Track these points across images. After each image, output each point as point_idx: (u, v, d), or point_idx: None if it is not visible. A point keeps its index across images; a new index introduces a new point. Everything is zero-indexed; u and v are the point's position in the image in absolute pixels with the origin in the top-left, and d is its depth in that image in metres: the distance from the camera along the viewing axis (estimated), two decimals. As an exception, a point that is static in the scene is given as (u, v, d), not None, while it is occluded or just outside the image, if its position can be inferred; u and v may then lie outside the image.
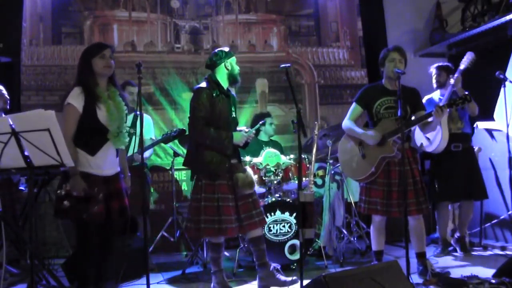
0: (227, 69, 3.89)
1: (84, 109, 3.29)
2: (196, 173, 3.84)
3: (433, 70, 4.97)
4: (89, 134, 3.31)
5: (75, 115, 3.28)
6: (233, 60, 3.92)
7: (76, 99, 3.29)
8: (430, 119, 3.97)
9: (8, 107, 4.55)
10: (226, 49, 3.94)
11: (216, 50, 3.95)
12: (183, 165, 4.07)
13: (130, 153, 4.80)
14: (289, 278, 3.82)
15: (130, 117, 4.73)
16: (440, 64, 5.01)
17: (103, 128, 3.32)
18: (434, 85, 4.94)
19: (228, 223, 3.71)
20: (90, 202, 3.24)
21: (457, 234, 5.03)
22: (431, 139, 4.81)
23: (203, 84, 3.89)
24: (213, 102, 3.79)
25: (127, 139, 3.45)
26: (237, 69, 3.93)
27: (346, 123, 4.21)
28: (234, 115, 3.97)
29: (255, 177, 4.50)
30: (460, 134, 4.82)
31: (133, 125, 4.68)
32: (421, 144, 4.85)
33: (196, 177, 3.85)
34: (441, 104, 4.27)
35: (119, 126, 3.37)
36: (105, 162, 3.36)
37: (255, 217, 3.86)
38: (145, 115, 4.20)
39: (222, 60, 3.88)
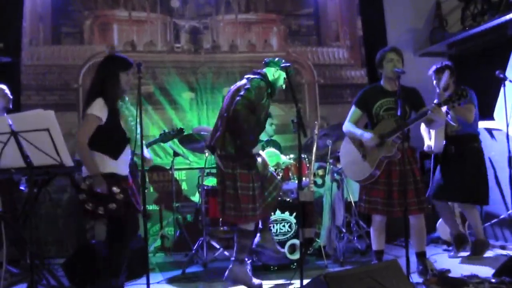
0: (273, 76, 4.03)
1: (107, 121, 3.40)
2: (234, 160, 3.88)
3: (433, 75, 4.83)
4: (114, 141, 3.47)
5: (95, 125, 3.37)
6: (282, 74, 4.01)
7: (101, 111, 3.37)
8: (434, 117, 3.94)
9: (10, 106, 4.56)
10: (288, 64, 3.97)
11: (279, 58, 4.08)
12: (214, 146, 3.96)
13: None
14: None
15: None
16: (438, 66, 4.83)
17: (125, 135, 3.52)
18: (437, 90, 4.72)
19: (259, 209, 3.90)
20: (109, 202, 3.38)
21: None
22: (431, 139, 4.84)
23: (260, 79, 3.96)
24: (263, 97, 3.90)
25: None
26: (280, 83, 4.05)
27: (346, 125, 4.21)
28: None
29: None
30: (454, 137, 4.73)
31: None
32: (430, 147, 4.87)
33: (225, 165, 3.90)
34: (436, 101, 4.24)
35: (133, 133, 3.57)
36: (124, 164, 3.52)
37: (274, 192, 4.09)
38: None
39: (275, 66, 4.03)
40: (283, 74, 4.01)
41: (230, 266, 3.99)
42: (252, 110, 3.81)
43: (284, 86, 4.08)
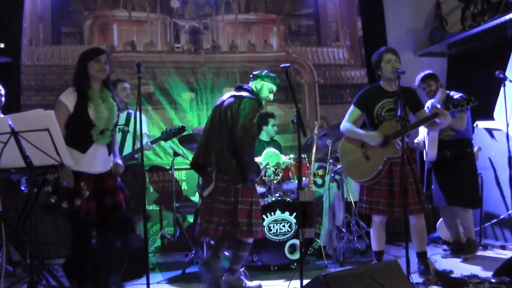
0: (256, 88, 3.99)
1: (75, 108, 3.39)
2: (236, 181, 3.83)
3: (420, 84, 4.87)
4: (80, 132, 3.41)
5: (64, 112, 3.39)
6: (265, 85, 3.99)
7: (67, 98, 3.41)
8: (438, 121, 3.95)
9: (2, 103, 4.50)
10: (271, 74, 4.00)
11: (261, 71, 4.05)
12: (206, 165, 3.97)
13: (125, 151, 4.80)
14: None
15: (124, 115, 4.75)
16: (423, 75, 4.89)
17: (93, 125, 3.42)
18: (428, 96, 4.86)
19: (256, 226, 3.87)
20: (75, 197, 3.33)
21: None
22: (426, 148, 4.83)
23: (246, 94, 3.92)
24: (255, 116, 3.89)
25: (110, 139, 3.51)
26: (264, 94, 3.99)
27: (345, 125, 4.18)
28: None
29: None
30: (448, 142, 4.75)
31: (127, 123, 4.70)
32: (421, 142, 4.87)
33: (220, 180, 3.87)
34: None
35: (106, 125, 3.47)
36: (96, 160, 3.46)
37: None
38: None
39: (257, 78, 4.00)
40: (267, 85, 3.98)
41: (223, 278, 3.92)
42: (249, 131, 3.80)
43: (270, 97, 4.03)
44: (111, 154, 3.61)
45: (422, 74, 4.92)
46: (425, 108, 4.75)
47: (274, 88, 4.03)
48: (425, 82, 4.85)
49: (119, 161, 3.67)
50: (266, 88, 3.99)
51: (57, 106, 3.39)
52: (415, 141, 5.02)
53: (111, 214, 3.49)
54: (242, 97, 3.89)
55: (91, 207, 3.38)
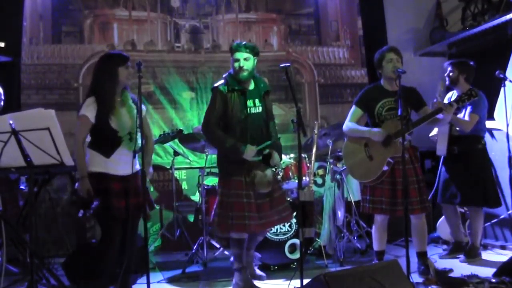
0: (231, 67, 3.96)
1: (97, 118, 3.44)
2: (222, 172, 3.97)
3: (446, 66, 4.77)
4: (104, 139, 3.49)
5: (87, 126, 3.47)
6: (235, 55, 3.89)
7: (88, 110, 3.45)
8: (439, 117, 3.94)
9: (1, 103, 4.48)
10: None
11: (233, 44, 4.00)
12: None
13: None
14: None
15: None
16: (454, 60, 4.81)
17: (116, 133, 3.48)
18: (447, 82, 4.77)
19: (251, 219, 3.82)
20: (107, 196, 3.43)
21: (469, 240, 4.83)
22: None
23: (221, 81, 3.95)
24: (225, 100, 3.85)
25: (140, 141, 3.52)
26: (235, 68, 3.88)
27: (348, 125, 4.18)
28: (251, 111, 3.92)
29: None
30: (457, 137, 4.67)
31: None
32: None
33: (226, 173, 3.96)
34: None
35: (130, 131, 3.52)
36: (120, 163, 3.51)
37: (275, 215, 4.00)
38: None
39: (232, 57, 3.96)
40: (233, 57, 3.88)
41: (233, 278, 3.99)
42: (221, 120, 3.86)
43: (240, 65, 3.83)
44: (136, 157, 3.62)
45: (452, 60, 4.82)
46: (446, 100, 4.73)
47: (237, 54, 3.86)
48: (450, 66, 4.73)
49: (149, 170, 3.77)
50: (233, 61, 3.90)
51: (80, 120, 3.47)
52: (431, 135, 4.95)
53: (134, 214, 3.55)
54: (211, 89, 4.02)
55: (121, 204, 3.48)
